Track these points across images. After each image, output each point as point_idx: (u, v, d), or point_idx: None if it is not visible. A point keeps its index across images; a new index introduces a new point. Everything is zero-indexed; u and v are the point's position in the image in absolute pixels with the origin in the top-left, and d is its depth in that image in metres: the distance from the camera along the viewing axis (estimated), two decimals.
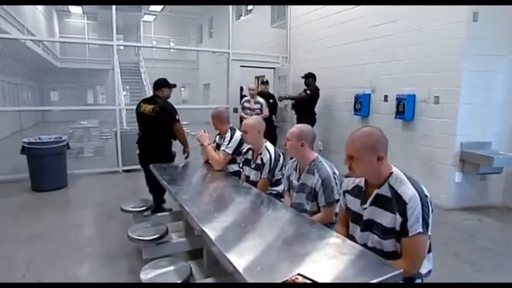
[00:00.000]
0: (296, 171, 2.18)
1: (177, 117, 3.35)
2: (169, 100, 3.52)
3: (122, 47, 14.37)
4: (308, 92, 5.43)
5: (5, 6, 6.98)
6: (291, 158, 2.30)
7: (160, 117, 3.26)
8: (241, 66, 6.64)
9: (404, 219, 1.38)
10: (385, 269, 1.29)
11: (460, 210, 3.84)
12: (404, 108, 4.28)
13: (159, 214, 2.98)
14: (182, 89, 16.03)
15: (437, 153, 4.03)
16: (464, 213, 3.79)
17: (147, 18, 15.59)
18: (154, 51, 15.11)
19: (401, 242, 1.41)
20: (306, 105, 5.52)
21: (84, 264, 2.65)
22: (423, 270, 1.48)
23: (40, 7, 11.24)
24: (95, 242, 3.03)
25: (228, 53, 6.27)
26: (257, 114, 5.35)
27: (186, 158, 3.53)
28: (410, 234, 1.36)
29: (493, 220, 3.64)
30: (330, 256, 1.40)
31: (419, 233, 1.36)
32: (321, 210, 2.01)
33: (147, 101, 3.43)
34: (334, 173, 2.01)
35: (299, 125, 2.17)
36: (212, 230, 1.65)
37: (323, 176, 1.98)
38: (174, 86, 3.60)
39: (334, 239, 1.55)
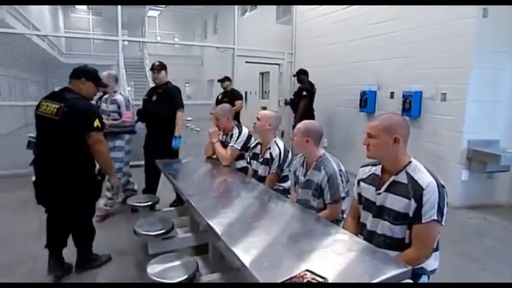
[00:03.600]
0: (303, 167, 2.17)
1: (96, 123, 2.11)
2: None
3: (126, 43, 14.36)
4: (305, 93, 5.38)
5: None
6: (295, 154, 2.29)
7: (70, 122, 2.04)
8: (247, 62, 6.61)
9: (419, 205, 1.38)
10: (393, 266, 1.28)
11: (466, 208, 3.81)
12: (411, 105, 4.25)
13: (165, 209, 3.00)
14: (186, 84, 16.03)
15: (444, 151, 4.00)
16: (470, 211, 3.77)
17: (151, 13, 15.55)
18: (159, 46, 15.08)
19: (413, 229, 1.41)
20: (304, 104, 5.45)
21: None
22: (429, 267, 1.48)
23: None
24: (100, 237, 3.03)
25: (233, 48, 6.25)
26: (114, 119, 3.41)
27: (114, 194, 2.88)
28: (423, 221, 1.36)
29: (499, 219, 3.61)
30: (338, 253, 1.39)
31: (434, 220, 1.35)
32: (327, 207, 2.00)
33: (51, 97, 2.15)
34: (340, 170, 2.00)
35: (307, 121, 2.16)
36: (218, 226, 1.65)
37: (329, 172, 1.97)
38: (105, 85, 2.67)
39: (341, 236, 1.55)
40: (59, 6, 14.38)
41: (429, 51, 4.10)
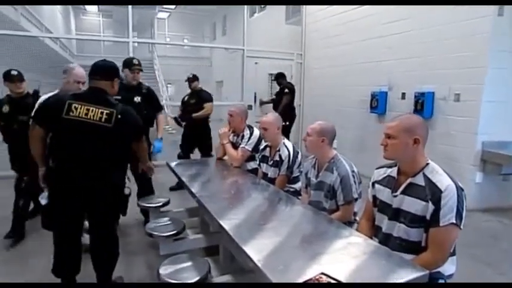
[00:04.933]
0: (314, 168, 2.15)
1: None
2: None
3: (136, 44, 14.54)
4: (287, 90, 5.45)
5: (27, 6, 7.15)
6: (305, 156, 2.27)
7: (125, 130, 1.91)
8: (256, 63, 6.61)
9: (437, 208, 1.35)
10: (410, 269, 1.25)
11: (480, 211, 3.73)
12: (423, 105, 4.18)
13: (175, 210, 3.00)
14: None
15: (457, 153, 3.92)
16: (485, 214, 3.68)
17: (161, 15, 15.70)
18: (168, 48, 15.21)
19: (430, 232, 1.37)
20: (287, 101, 5.57)
21: None
22: (447, 271, 1.45)
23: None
24: None
25: (243, 49, 6.25)
26: None
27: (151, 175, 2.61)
28: (441, 224, 1.33)
29: None
30: (353, 255, 1.37)
31: (452, 223, 1.32)
32: (339, 208, 1.98)
33: (89, 98, 1.86)
34: (353, 171, 1.98)
35: (320, 121, 2.14)
36: (230, 227, 1.65)
37: (342, 174, 1.95)
38: (122, 80, 2.48)
39: (356, 238, 1.52)
40: (70, 9, 14.62)
41: (442, 50, 4.03)
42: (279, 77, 5.76)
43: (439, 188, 1.36)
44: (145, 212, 3.07)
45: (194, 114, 4.40)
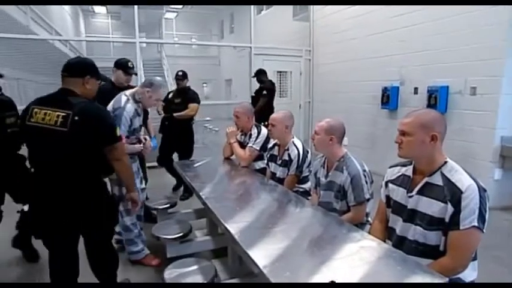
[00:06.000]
0: (324, 167, 2.07)
1: (117, 131, 1.75)
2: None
3: (144, 45, 14.63)
4: (265, 92, 5.17)
5: (36, 10, 7.23)
6: (315, 154, 2.19)
7: (84, 134, 1.62)
8: (265, 60, 6.52)
9: (457, 210, 1.25)
10: (428, 276, 1.17)
11: (499, 209, 3.57)
12: (437, 100, 4.03)
13: (183, 211, 2.96)
14: (204, 85, 16.13)
15: (474, 149, 3.77)
16: (503, 213, 3.53)
17: (168, 15, 15.73)
18: (176, 48, 15.25)
19: (449, 236, 1.28)
20: (264, 103, 5.21)
21: None
22: (467, 278, 1.35)
23: (67, 8, 11.60)
24: None
25: (250, 47, 6.18)
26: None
27: (136, 211, 2.20)
28: (462, 227, 1.24)
29: None
30: (365, 261, 1.29)
31: (474, 227, 1.23)
32: (350, 209, 1.90)
33: (48, 101, 1.67)
34: (364, 171, 1.88)
35: (329, 118, 2.05)
36: (236, 230, 1.59)
37: (352, 173, 1.86)
38: (105, 79, 2.03)
39: (368, 242, 1.44)
40: (79, 12, 14.79)
41: (456, 42, 3.87)
42: (259, 74, 5.36)
43: (459, 188, 1.26)
44: (146, 212, 2.98)
45: (176, 114, 3.95)
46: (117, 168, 1.78)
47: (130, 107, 2.31)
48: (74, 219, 1.70)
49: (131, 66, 3.08)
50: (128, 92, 2.41)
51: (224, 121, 4.75)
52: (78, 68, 1.72)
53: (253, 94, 5.59)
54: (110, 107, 2.31)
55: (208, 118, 8.80)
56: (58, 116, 1.59)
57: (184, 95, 4.12)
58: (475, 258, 1.35)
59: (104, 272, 1.97)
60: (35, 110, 1.63)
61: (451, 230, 1.27)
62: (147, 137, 2.60)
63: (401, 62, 4.65)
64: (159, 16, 15.07)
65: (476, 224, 1.22)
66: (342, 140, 2.00)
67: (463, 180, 1.28)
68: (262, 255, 1.35)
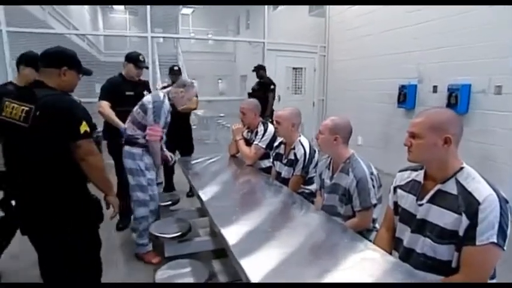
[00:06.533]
0: (329, 169, 1.95)
1: (83, 127, 1.50)
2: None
3: (161, 40, 14.74)
4: (272, 87, 5.16)
5: (55, 6, 7.36)
6: (322, 155, 2.06)
7: (45, 130, 1.46)
8: (278, 56, 6.39)
9: (473, 223, 1.10)
10: None
11: None
12: (457, 100, 3.81)
13: (186, 209, 2.90)
14: (219, 81, 16.12)
15: (497, 151, 3.53)
16: None
17: (185, 11, 15.78)
18: (192, 43, 15.28)
19: (463, 252, 1.13)
20: (273, 98, 5.26)
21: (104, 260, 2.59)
22: None
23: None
24: (116, 236, 3.01)
25: (263, 42, 6.06)
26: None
27: (112, 217, 1.80)
28: (478, 243, 1.09)
29: None
30: (368, 273, 1.18)
31: (492, 243, 1.08)
32: (356, 215, 1.77)
33: (17, 95, 1.58)
34: (371, 174, 1.75)
35: (334, 116, 1.92)
36: (232, 234, 1.50)
37: (358, 176, 1.73)
38: (89, 73, 1.76)
39: (372, 253, 1.32)
40: (98, 8, 15.03)
41: (480, 38, 3.63)
42: (260, 69, 5.27)
43: (476, 198, 1.12)
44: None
45: (181, 108, 3.92)
46: (84, 169, 1.54)
47: (167, 102, 2.46)
48: (38, 220, 1.53)
49: (142, 60, 3.04)
50: (163, 91, 2.56)
51: (238, 118, 4.61)
52: (55, 58, 1.58)
53: (251, 91, 5.43)
54: (148, 99, 2.44)
55: (222, 114, 8.73)
56: (22, 110, 1.47)
57: None
58: (493, 277, 1.21)
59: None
60: (6, 103, 1.54)
61: (465, 245, 1.12)
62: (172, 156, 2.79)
63: (419, 59, 4.43)
64: (175, 12, 15.13)
65: (495, 240, 1.07)
66: (348, 139, 1.87)
67: (480, 189, 1.13)
68: (255, 265, 1.25)
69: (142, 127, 2.42)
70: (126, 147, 2.49)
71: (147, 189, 2.48)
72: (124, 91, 2.94)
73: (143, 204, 2.47)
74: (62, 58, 1.60)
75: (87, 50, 10.25)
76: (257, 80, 5.34)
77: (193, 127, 9.08)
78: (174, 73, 4.10)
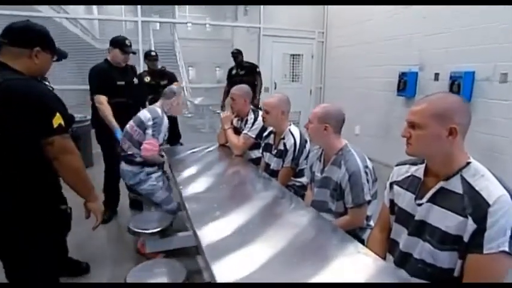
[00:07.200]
0: (320, 161, 1.79)
1: (56, 119, 1.26)
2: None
3: (158, 26, 14.38)
4: (258, 69, 5.15)
5: None
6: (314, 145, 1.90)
7: (6, 122, 1.22)
8: (274, 42, 6.18)
9: (481, 228, 0.94)
10: None
11: None
12: (460, 87, 3.62)
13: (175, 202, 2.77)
14: (217, 68, 15.84)
15: (501, 143, 3.37)
16: None
17: None
18: (189, 30, 14.95)
19: (468, 260, 0.98)
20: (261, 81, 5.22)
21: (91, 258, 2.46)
22: None
23: None
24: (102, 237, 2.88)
25: (259, 27, 5.83)
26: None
27: (95, 228, 1.51)
28: (486, 251, 0.93)
29: None
30: (357, 280, 1.03)
31: (503, 252, 0.92)
32: (348, 212, 1.62)
33: None
34: (366, 167, 1.59)
35: (325, 104, 1.75)
36: (208, 233, 1.35)
37: (351, 169, 1.57)
38: (65, 56, 1.56)
39: (363, 257, 1.18)
40: None
41: (485, 22, 3.42)
42: (240, 54, 5.17)
43: (485, 199, 0.95)
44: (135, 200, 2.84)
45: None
46: (58, 169, 1.31)
47: (166, 119, 2.40)
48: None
49: (128, 44, 2.88)
50: (157, 106, 2.46)
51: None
52: (26, 35, 1.31)
53: (232, 73, 5.28)
54: (146, 116, 2.33)
55: (219, 102, 8.54)
56: None
57: (168, 76, 3.99)
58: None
59: None
60: None
61: (471, 253, 0.97)
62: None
63: (420, 45, 4.23)
64: None
65: (506, 248, 0.91)
66: (340, 129, 1.70)
67: (491, 188, 0.97)
68: (229, 269, 1.11)
69: (140, 145, 2.32)
70: (124, 166, 2.40)
71: (171, 200, 2.47)
72: (114, 80, 2.82)
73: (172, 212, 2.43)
74: (34, 37, 1.33)
75: (81, 36, 9.98)
76: (235, 64, 5.22)
77: (189, 116, 8.90)
78: (151, 58, 3.92)
